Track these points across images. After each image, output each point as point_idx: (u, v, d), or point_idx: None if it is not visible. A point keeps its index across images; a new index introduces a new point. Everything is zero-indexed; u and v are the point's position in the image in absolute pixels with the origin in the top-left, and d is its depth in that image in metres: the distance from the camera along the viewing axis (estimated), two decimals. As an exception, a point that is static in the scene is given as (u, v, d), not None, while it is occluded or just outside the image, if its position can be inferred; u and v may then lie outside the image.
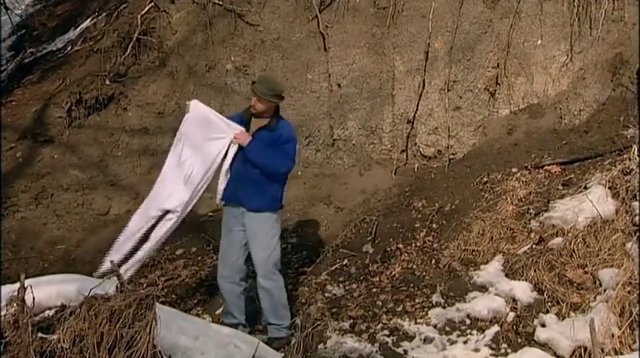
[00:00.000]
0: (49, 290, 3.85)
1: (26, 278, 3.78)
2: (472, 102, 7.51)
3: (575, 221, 5.71)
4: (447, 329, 5.44)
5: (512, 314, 5.37)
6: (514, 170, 6.77)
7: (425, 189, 7.10)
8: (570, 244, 5.56)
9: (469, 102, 7.51)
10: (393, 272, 6.15)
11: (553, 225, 5.84)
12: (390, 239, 6.59)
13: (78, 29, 9.31)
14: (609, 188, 5.84)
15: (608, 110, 6.93)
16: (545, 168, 6.60)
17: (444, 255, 6.12)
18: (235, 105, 7.48)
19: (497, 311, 5.42)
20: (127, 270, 5.37)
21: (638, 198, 5.64)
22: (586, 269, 5.41)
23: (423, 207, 6.84)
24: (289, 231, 6.90)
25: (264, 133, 5.37)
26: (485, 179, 6.79)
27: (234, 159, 5.38)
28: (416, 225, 6.66)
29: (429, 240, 6.41)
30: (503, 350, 5.16)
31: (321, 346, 5.19)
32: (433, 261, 6.12)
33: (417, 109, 7.57)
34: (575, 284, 5.36)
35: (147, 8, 8.28)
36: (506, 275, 5.66)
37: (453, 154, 7.47)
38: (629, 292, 4.99)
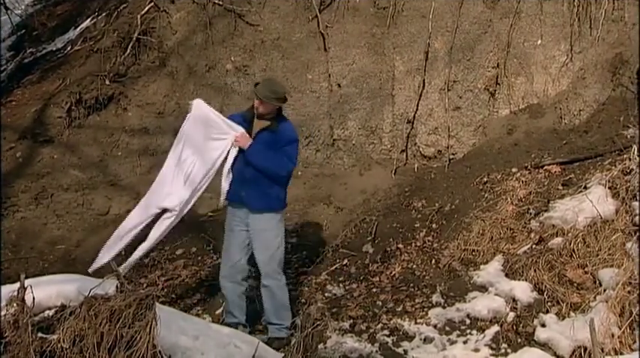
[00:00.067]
0: (49, 290, 3.85)
1: (26, 278, 3.78)
2: (472, 102, 7.51)
3: (575, 221, 5.71)
4: (447, 329, 5.44)
5: (512, 314, 5.37)
6: (514, 170, 6.77)
7: (425, 189, 7.10)
8: (570, 244, 5.56)
9: (469, 102, 7.51)
10: (393, 273, 6.15)
11: (553, 225, 5.84)
12: (390, 239, 6.59)
13: (78, 29, 9.31)
14: (609, 188, 5.84)
15: (608, 110, 6.93)
16: (545, 168, 6.60)
17: (444, 255, 6.12)
18: (235, 105, 7.48)
19: (497, 311, 5.42)
20: (124, 268, 5.37)
21: (638, 198, 5.64)
22: (586, 269, 5.41)
23: (423, 207, 6.84)
24: (289, 231, 6.89)
25: (266, 135, 5.37)
26: (485, 179, 6.79)
27: (235, 160, 5.38)
28: (416, 225, 6.66)
29: (429, 240, 6.41)
30: (503, 350, 5.16)
31: (321, 346, 5.19)
32: (433, 261, 6.12)
33: (417, 109, 7.57)
34: (575, 284, 5.37)
35: (147, 8, 8.27)
36: (506, 275, 5.66)
37: (453, 154, 7.47)
38: (629, 292, 4.99)
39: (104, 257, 5.43)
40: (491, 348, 5.19)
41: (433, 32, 7.57)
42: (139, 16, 8.19)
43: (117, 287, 3.86)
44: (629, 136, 6.45)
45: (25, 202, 7.26)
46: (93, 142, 7.75)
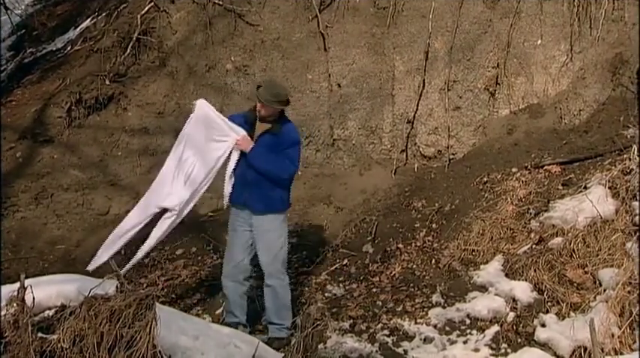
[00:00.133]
0: (49, 290, 3.85)
1: (26, 278, 3.78)
2: (472, 102, 7.51)
3: (575, 221, 5.71)
4: (447, 329, 5.44)
5: (512, 314, 5.37)
6: (514, 170, 6.77)
7: (425, 189, 7.10)
8: (570, 244, 5.57)
9: (469, 102, 7.51)
10: (393, 272, 6.15)
11: (553, 225, 5.84)
12: (390, 239, 6.60)
13: (78, 29, 9.30)
14: (609, 188, 5.84)
15: (608, 110, 6.93)
16: (545, 168, 6.60)
17: (444, 254, 6.12)
18: (235, 105, 7.48)
19: (497, 311, 5.42)
20: (125, 270, 5.37)
21: (638, 198, 5.64)
22: (586, 269, 5.41)
23: (423, 207, 6.84)
24: (289, 231, 6.86)
25: (268, 137, 5.36)
26: (485, 179, 6.79)
27: (237, 163, 5.37)
28: (416, 225, 6.66)
29: (429, 240, 6.42)
30: (503, 350, 5.16)
31: (321, 346, 5.19)
32: (433, 261, 6.12)
33: (417, 109, 7.57)
34: (575, 284, 5.37)
35: (147, 8, 8.27)
36: (506, 275, 5.67)
37: (453, 154, 7.47)
38: (629, 292, 4.99)
39: (103, 256, 5.43)
40: (491, 348, 5.19)
41: (433, 32, 7.57)
42: (139, 16, 8.18)
43: (117, 287, 3.86)
44: (629, 136, 6.45)
45: (25, 202, 7.26)
46: (93, 142, 7.74)
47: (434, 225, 6.56)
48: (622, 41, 7.14)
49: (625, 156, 6.09)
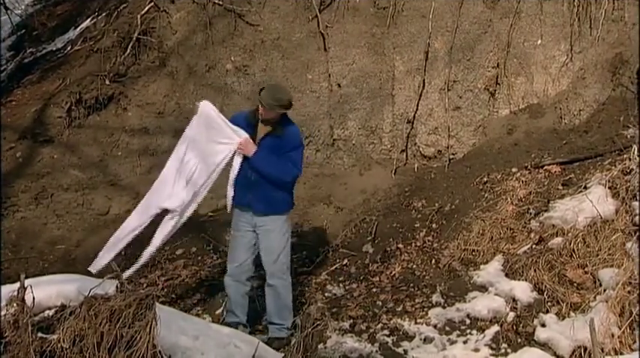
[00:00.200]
0: (49, 290, 3.85)
1: (26, 278, 3.78)
2: (472, 102, 7.51)
3: (575, 221, 5.71)
4: (447, 329, 5.44)
5: (512, 314, 5.37)
6: (514, 170, 6.77)
7: (425, 189, 7.10)
8: (570, 244, 5.57)
9: (469, 102, 7.51)
10: (393, 272, 6.16)
11: (553, 225, 5.84)
12: (390, 239, 6.60)
13: (78, 29, 9.30)
14: (609, 188, 5.85)
15: (608, 110, 6.93)
16: (545, 168, 6.60)
17: (444, 254, 6.12)
18: (235, 105, 7.48)
19: (497, 311, 5.42)
20: (128, 274, 5.37)
21: (638, 198, 5.64)
22: (586, 269, 5.41)
23: (423, 207, 6.84)
24: (289, 231, 6.91)
25: (271, 140, 5.34)
26: (485, 179, 6.79)
27: (240, 166, 5.36)
28: (416, 225, 6.66)
29: (429, 240, 6.42)
30: (503, 350, 5.16)
31: (321, 346, 5.19)
32: (433, 261, 6.12)
33: (417, 109, 7.57)
34: (575, 284, 5.37)
35: (147, 8, 8.27)
36: (506, 275, 5.67)
37: (453, 154, 7.47)
38: (629, 292, 4.99)
39: (105, 257, 5.42)
40: (492, 348, 5.19)
41: (433, 32, 7.57)
42: (139, 16, 8.18)
43: (117, 287, 3.86)
44: (629, 136, 6.45)
45: (25, 202, 7.26)
46: (93, 142, 7.74)
47: (434, 225, 6.56)
48: (622, 41, 7.14)
49: (625, 156, 6.09)
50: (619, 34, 7.19)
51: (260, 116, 5.35)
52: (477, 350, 5.20)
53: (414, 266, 6.17)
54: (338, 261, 6.51)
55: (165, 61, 8.11)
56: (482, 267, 5.83)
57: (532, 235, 5.92)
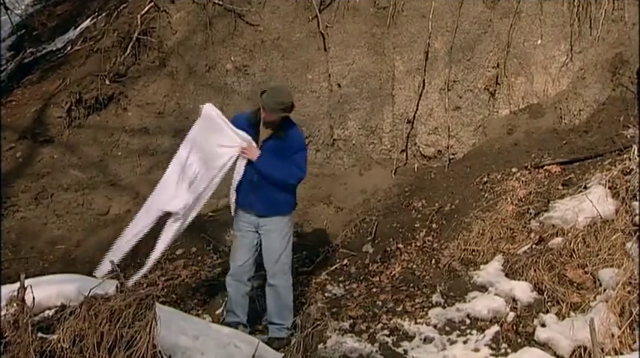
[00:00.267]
0: (49, 290, 3.85)
1: (26, 278, 3.78)
2: (472, 102, 7.51)
3: (575, 221, 5.71)
4: (447, 329, 5.44)
5: (512, 314, 5.37)
6: (514, 170, 6.77)
7: (425, 189, 7.10)
8: (570, 244, 5.57)
9: (469, 102, 7.51)
10: (393, 272, 6.16)
11: (553, 225, 5.85)
12: (390, 239, 6.60)
13: (78, 29, 9.30)
14: (609, 188, 5.85)
15: (608, 110, 6.93)
16: (545, 168, 6.60)
17: (444, 254, 6.12)
18: (235, 105, 7.48)
19: (497, 311, 5.42)
20: (133, 280, 5.37)
21: (638, 198, 5.64)
22: (586, 269, 5.41)
23: (423, 207, 6.84)
24: (289, 231, 6.91)
25: (273, 143, 5.33)
26: (485, 179, 6.79)
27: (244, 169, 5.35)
28: (416, 225, 6.66)
29: (429, 240, 6.42)
30: (503, 350, 5.16)
31: (321, 346, 5.19)
32: (433, 261, 6.12)
33: (417, 109, 7.57)
34: (575, 284, 5.37)
35: (147, 8, 8.26)
36: (506, 275, 5.67)
37: (453, 154, 7.47)
38: (629, 292, 4.99)
39: (108, 263, 5.39)
40: (491, 348, 5.19)
41: (433, 32, 7.57)
42: (139, 16, 8.18)
43: (117, 287, 3.85)
44: (629, 136, 6.45)
45: (25, 202, 7.26)
46: (93, 142, 7.74)
47: (434, 225, 6.56)
48: (622, 41, 7.14)
49: (625, 156, 6.09)
50: (619, 34, 7.19)
51: (262, 118, 5.34)
52: (477, 350, 5.20)
53: (414, 266, 6.17)
54: (338, 261, 6.51)
55: (165, 61, 8.10)
56: (482, 267, 5.83)
57: (532, 235, 5.92)
